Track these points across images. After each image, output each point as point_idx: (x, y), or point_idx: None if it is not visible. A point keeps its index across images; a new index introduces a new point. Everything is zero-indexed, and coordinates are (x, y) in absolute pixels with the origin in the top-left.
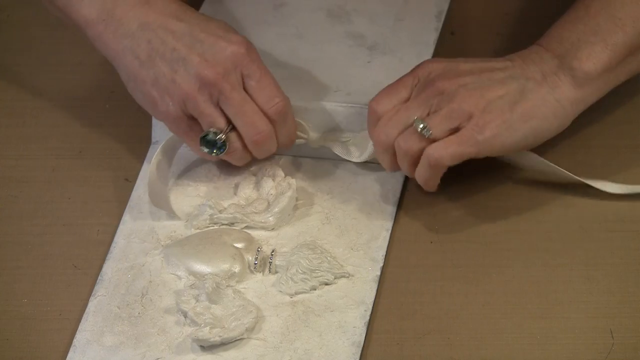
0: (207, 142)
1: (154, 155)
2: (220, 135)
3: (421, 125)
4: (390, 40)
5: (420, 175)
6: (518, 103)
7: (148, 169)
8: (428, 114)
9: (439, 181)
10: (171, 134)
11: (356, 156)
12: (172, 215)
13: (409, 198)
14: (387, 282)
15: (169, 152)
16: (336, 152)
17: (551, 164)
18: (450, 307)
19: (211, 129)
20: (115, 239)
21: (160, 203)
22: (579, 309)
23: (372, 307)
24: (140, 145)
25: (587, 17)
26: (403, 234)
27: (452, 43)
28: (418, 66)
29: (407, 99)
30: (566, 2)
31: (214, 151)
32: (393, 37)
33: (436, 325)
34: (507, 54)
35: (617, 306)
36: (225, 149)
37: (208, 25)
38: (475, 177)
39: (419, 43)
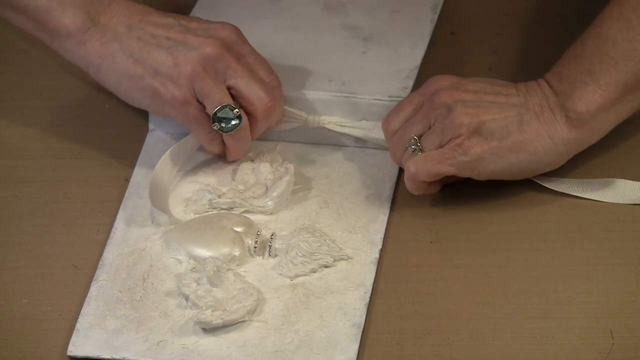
0: (221, 118)
1: (161, 159)
2: (235, 109)
3: (412, 147)
4: (386, 31)
5: (406, 183)
6: (511, 133)
7: (149, 162)
8: (430, 127)
9: (429, 190)
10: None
11: (355, 133)
12: (170, 218)
13: (409, 198)
14: (387, 282)
15: (177, 157)
16: (334, 130)
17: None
18: (450, 307)
19: (225, 104)
20: (115, 224)
21: (160, 205)
22: (579, 309)
23: (372, 288)
24: (140, 145)
25: (582, 56)
26: (403, 234)
27: (452, 43)
28: (427, 82)
29: (414, 115)
30: (566, 2)
31: (230, 124)
32: (388, 28)
33: (436, 325)
34: (507, 54)
35: (617, 306)
36: (240, 122)
37: (192, 18)
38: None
39: (414, 34)
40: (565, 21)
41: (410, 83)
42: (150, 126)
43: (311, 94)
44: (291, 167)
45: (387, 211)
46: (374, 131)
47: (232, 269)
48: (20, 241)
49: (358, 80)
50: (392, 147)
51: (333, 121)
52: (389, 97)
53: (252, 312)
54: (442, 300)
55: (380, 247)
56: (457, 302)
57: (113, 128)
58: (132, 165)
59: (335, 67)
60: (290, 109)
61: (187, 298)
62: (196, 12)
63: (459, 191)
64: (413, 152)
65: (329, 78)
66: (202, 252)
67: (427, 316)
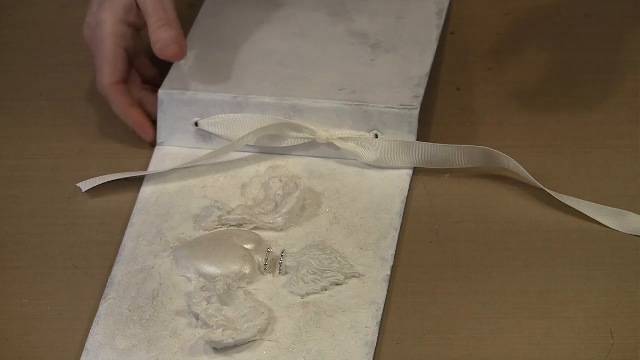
0: None
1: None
2: None
3: None
4: (393, 38)
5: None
6: None
7: (157, 178)
8: None
9: None
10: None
11: (365, 157)
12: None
13: (409, 198)
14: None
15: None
16: (344, 151)
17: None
18: (450, 307)
19: None
20: (124, 241)
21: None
22: (579, 309)
23: (384, 306)
24: (140, 145)
25: None
26: (403, 233)
27: (452, 43)
28: None
29: None
30: (566, 2)
31: None
32: (395, 35)
33: (436, 325)
34: (507, 54)
35: (617, 306)
36: None
37: None
38: (475, 177)
39: (421, 41)
40: (565, 21)
41: (421, 92)
42: (159, 140)
43: (322, 103)
44: (301, 182)
45: (398, 227)
46: (387, 161)
47: (242, 287)
48: (20, 241)
49: (369, 88)
50: None
51: (343, 136)
52: (401, 105)
53: (263, 331)
54: (442, 300)
55: (391, 264)
56: (457, 302)
57: (113, 128)
58: (133, 165)
59: (345, 75)
60: (300, 124)
61: (197, 317)
62: (201, 19)
63: (459, 191)
64: None
65: (340, 87)
66: (212, 270)
67: (427, 316)
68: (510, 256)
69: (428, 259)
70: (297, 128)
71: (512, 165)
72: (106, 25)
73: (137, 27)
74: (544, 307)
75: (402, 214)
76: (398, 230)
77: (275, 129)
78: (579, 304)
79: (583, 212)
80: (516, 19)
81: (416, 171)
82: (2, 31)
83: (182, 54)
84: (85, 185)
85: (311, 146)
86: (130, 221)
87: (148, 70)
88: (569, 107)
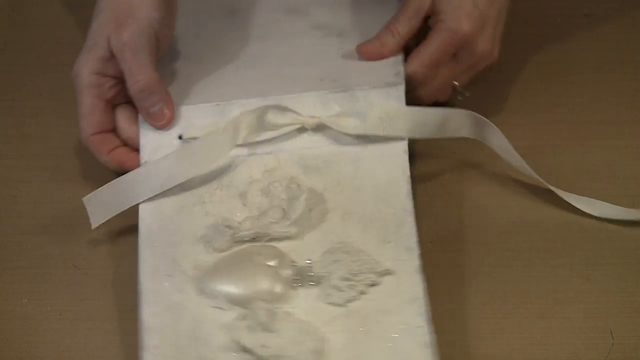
0: None
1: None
2: None
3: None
4: (355, 24)
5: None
6: None
7: (151, 202)
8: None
9: None
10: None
11: (356, 128)
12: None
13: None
14: None
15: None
16: (334, 128)
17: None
18: (450, 307)
19: None
20: (141, 281)
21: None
22: (579, 309)
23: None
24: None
25: None
26: None
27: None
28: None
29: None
30: (566, 2)
31: None
32: (356, 21)
33: (436, 325)
34: (506, 53)
35: (617, 306)
36: None
37: None
38: (475, 177)
39: (383, 19)
40: (565, 21)
41: (401, 68)
42: (142, 159)
43: (307, 95)
44: (303, 183)
45: (412, 210)
46: (379, 128)
47: (280, 308)
48: (20, 241)
49: (348, 74)
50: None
51: (331, 114)
52: (386, 83)
53: (316, 352)
54: (442, 300)
55: (418, 252)
56: (457, 302)
57: None
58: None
59: (321, 66)
60: (285, 106)
61: (249, 351)
62: None
63: (459, 191)
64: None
65: (319, 77)
66: (242, 294)
67: None
68: (510, 256)
69: (428, 259)
70: (283, 111)
71: (496, 137)
72: (80, 79)
73: (118, 77)
74: (544, 307)
75: (411, 195)
76: (412, 214)
77: (259, 115)
78: (579, 304)
79: (587, 211)
80: (516, 19)
81: (416, 170)
82: (2, 31)
83: (167, 123)
84: (96, 221)
85: (300, 137)
86: (140, 255)
87: None
88: (569, 107)
